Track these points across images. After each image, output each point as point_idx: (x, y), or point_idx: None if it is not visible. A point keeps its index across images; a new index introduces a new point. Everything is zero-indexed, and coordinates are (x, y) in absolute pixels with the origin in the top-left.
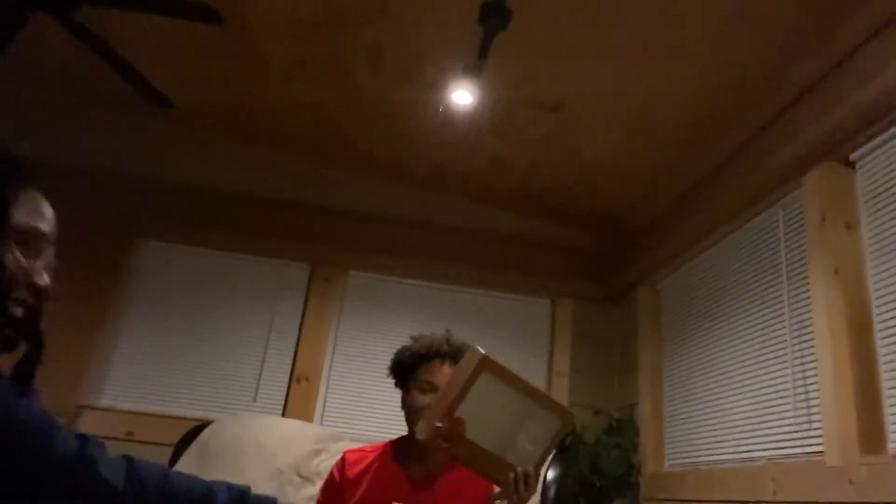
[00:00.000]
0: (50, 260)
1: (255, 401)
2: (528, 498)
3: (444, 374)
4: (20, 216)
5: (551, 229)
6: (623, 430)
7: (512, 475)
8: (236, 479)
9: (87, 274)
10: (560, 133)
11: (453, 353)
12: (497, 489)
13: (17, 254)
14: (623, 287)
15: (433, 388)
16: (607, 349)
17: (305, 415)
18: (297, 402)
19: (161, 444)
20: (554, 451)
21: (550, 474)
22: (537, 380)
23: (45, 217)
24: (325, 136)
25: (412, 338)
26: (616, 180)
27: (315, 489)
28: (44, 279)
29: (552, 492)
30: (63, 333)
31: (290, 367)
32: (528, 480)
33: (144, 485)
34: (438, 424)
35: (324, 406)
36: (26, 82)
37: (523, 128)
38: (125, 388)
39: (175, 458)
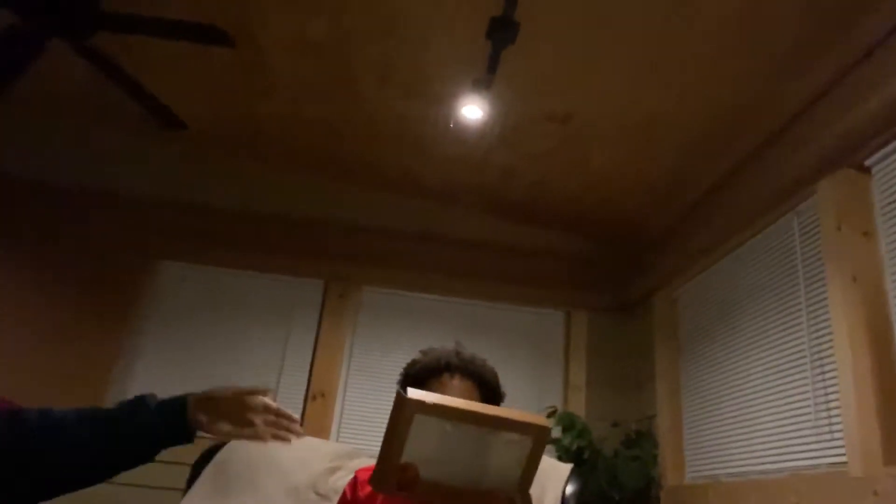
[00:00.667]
0: None
1: None
2: None
3: (454, 387)
4: None
5: (564, 240)
6: (642, 442)
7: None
8: (252, 498)
9: (105, 295)
10: (569, 145)
11: (463, 367)
12: None
13: None
14: (638, 297)
15: None
16: (624, 360)
17: (322, 432)
18: (313, 419)
19: (178, 463)
20: (536, 467)
21: (569, 489)
22: (553, 393)
23: None
24: (336, 152)
25: (421, 351)
26: (627, 190)
27: None
28: None
29: None
30: (82, 353)
31: (305, 383)
32: None
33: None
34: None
35: (340, 422)
36: (43, 108)
37: (532, 140)
38: None
39: (193, 477)
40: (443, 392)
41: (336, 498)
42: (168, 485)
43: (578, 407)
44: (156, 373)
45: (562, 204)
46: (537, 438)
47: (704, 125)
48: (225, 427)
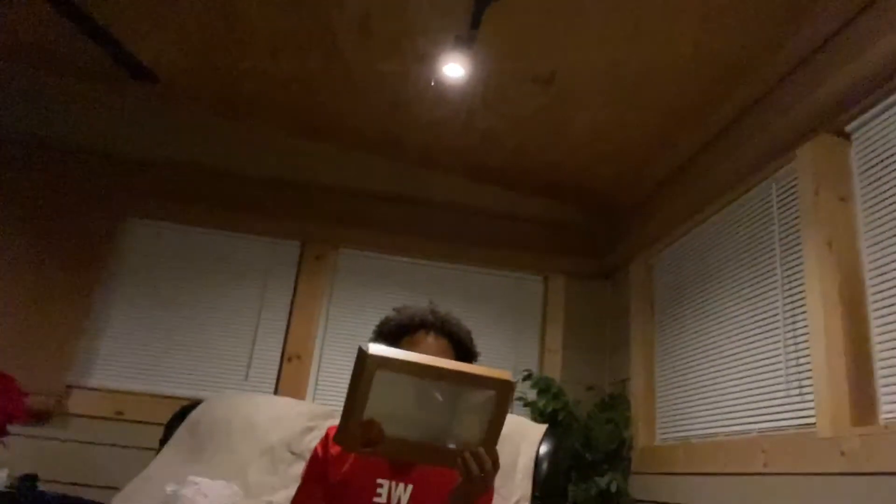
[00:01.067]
0: None
1: (246, 379)
2: (491, 476)
3: (428, 344)
4: None
5: (543, 206)
6: (615, 405)
7: (460, 459)
8: (227, 457)
9: (75, 253)
10: (551, 108)
11: (438, 324)
12: None
13: None
14: (615, 263)
15: None
16: (600, 325)
17: (298, 393)
18: (289, 381)
19: (151, 423)
20: (502, 423)
21: (543, 448)
22: (529, 356)
23: None
24: (315, 110)
25: (395, 309)
26: (607, 156)
27: None
28: None
29: (545, 466)
30: (51, 313)
31: (281, 345)
32: (480, 460)
33: None
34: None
35: (316, 384)
36: (2, 56)
37: (515, 102)
38: (115, 368)
39: (166, 437)
40: (417, 349)
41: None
42: (142, 444)
43: (554, 370)
44: (128, 333)
45: (542, 169)
46: (501, 393)
47: (687, 88)
48: None
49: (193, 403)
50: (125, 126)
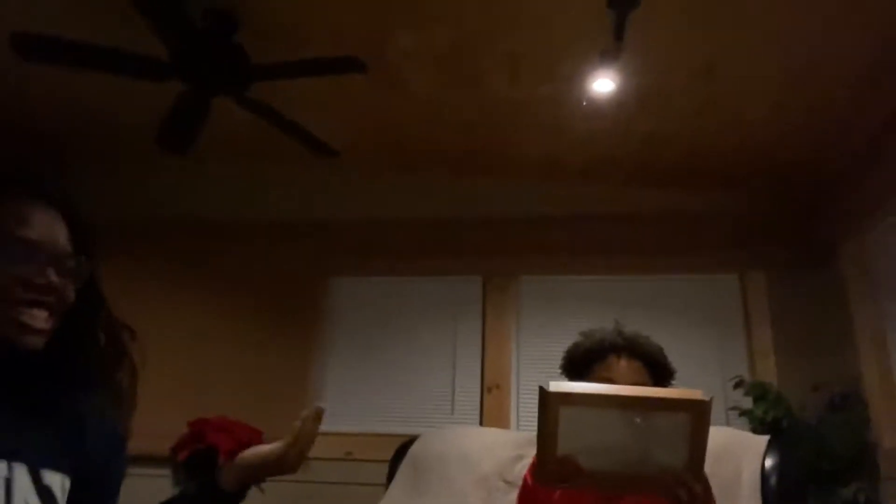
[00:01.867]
0: (48, 261)
1: (452, 413)
2: (701, 500)
3: (620, 368)
4: (9, 227)
5: (724, 198)
6: (849, 405)
7: (664, 486)
8: (447, 489)
9: (291, 314)
10: (717, 99)
11: (629, 346)
12: None
13: (3, 262)
14: (821, 247)
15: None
16: (814, 319)
17: (501, 422)
18: (491, 411)
19: (377, 461)
20: (704, 443)
21: (769, 461)
22: (737, 362)
23: (25, 223)
24: (476, 149)
25: (581, 334)
26: (791, 134)
27: None
28: (43, 277)
29: (773, 482)
30: (282, 372)
31: (479, 377)
32: (687, 484)
33: None
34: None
35: (518, 411)
36: (217, 156)
37: (675, 101)
38: (340, 413)
39: (391, 473)
40: (610, 374)
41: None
42: (371, 481)
43: (769, 374)
44: (345, 381)
45: (717, 161)
46: (696, 415)
47: (872, 56)
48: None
49: (411, 440)
50: (316, 197)
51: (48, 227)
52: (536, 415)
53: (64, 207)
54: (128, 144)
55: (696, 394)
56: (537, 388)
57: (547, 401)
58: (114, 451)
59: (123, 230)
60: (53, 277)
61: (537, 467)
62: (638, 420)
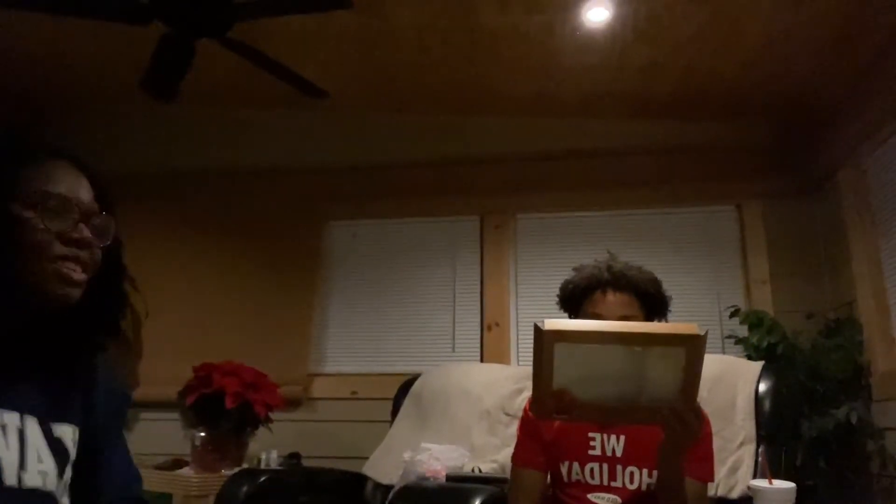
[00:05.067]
0: (79, 217)
1: (453, 351)
2: (692, 430)
3: (608, 303)
4: (33, 185)
5: (721, 129)
6: (843, 330)
7: (659, 416)
8: (450, 423)
9: (291, 260)
10: (714, 23)
11: (615, 280)
12: None
13: (35, 219)
14: (818, 175)
15: (601, 320)
16: (810, 247)
17: (501, 358)
18: (491, 348)
19: (381, 399)
20: (698, 375)
21: (763, 386)
22: (733, 291)
23: (59, 181)
24: (468, 87)
25: (574, 269)
26: (791, 59)
27: None
28: (76, 233)
29: (767, 404)
30: (285, 316)
31: (479, 315)
32: (680, 414)
33: None
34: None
35: (518, 347)
36: (206, 104)
37: (672, 27)
38: (344, 354)
39: (395, 410)
40: (599, 309)
41: None
42: (375, 418)
43: (764, 302)
44: (348, 323)
45: (716, 90)
46: (690, 348)
47: None
48: None
49: (412, 378)
50: (308, 141)
51: (77, 186)
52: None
53: (85, 168)
54: (114, 97)
55: (691, 328)
56: (549, 314)
57: (541, 338)
58: (118, 405)
59: (120, 183)
60: (86, 233)
61: (533, 401)
62: (632, 354)
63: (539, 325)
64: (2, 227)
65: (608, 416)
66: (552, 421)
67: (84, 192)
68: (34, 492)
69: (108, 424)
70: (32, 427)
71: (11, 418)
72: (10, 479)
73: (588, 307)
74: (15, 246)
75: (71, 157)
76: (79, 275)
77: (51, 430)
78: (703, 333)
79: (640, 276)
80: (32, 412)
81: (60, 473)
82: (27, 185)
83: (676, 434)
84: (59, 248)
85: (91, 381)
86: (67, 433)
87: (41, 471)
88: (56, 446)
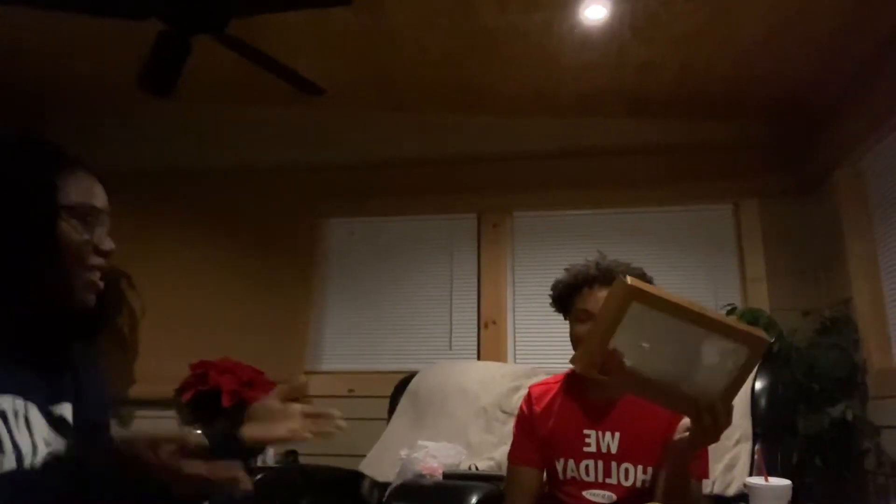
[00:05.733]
0: (106, 228)
1: (450, 349)
2: (720, 431)
3: (597, 299)
4: (75, 196)
5: (719, 127)
6: (838, 328)
7: (694, 408)
8: (446, 421)
9: (288, 258)
10: (713, 21)
11: (603, 277)
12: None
13: (78, 228)
14: (815, 174)
15: (589, 316)
16: (806, 245)
17: (498, 356)
18: (488, 345)
19: (378, 397)
20: (744, 380)
21: (759, 384)
22: (729, 289)
23: (95, 194)
24: (466, 85)
25: (565, 269)
26: (788, 59)
27: None
28: (106, 244)
29: (763, 402)
30: (281, 314)
31: (476, 313)
32: (716, 413)
33: None
34: (592, 357)
35: (514, 345)
36: (204, 101)
37: (670, 26)
38: (340, 352)
39: (392, 408)
40: (586, 306)
41: None
42: (373, 416)
43: (761, 301)
44: (345, 321)
45: (713, 88)
46: (753, 350)
47: None
48: (256, 431)
49: (409, 376)
50: (304, 137)
51: (104, 197)
52: (532, 348)
53: (100, 179)
54: (112, 94)
55: (760, 331)
56: (546, 312)
57: (621, 291)
58: (101, 392)
59: (117, 180)
60: (112, 244)
61: (582, 353)
62: (697, 336)
63: (622, 278)
64: (49, 235)
65: (646, 392)
66: (547, 415)
67: (108, 204)
68: None
69: (97, 412)
70: (34, 412)
71: (17, 404)
72: (27, 464)
73: (577, 303)
74: (57, 252)
75: (91, 168)
76: (100, 283)
77: (50, 412)
78: (769, 339)
79: (628, 271)
80: (33, 397)
81: None
82: (73, 196)
83: (704, 430)
84: (93, 258)
85: (82, 371)
86: (67, 410)
87: (50, 454)
88: (59, 425)
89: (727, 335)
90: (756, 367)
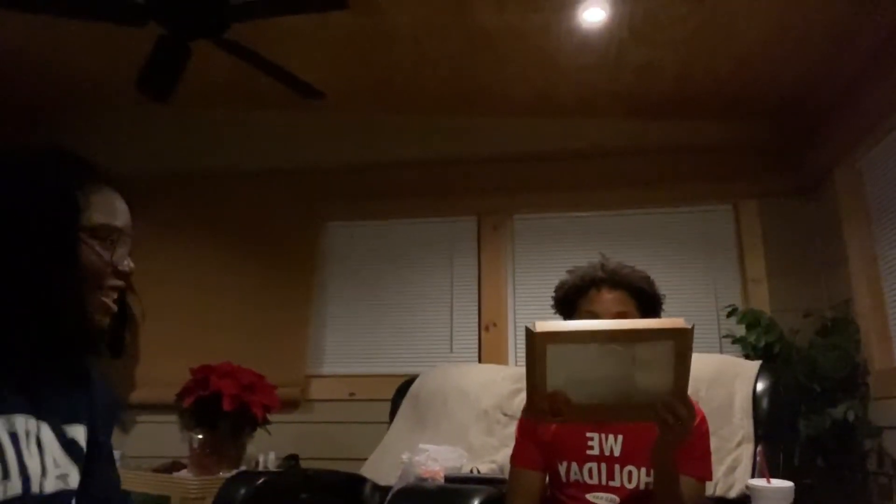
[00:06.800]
0: (127, 248)
1: (451, 351)
2: (686, 424)
3: (604, 300)
4: (97, 216)
5: (718, 128)
6: (839, 329)
7: (653, 411)
8: (447, 424)
9: (288, 261)
10: (711, 23)
11: (608, 278)
12: None
13: (99, 249)
14: (814, 175)
15: (596, 318)
16: (806, 246)
17: (499, 358)
18: (489, 348)
19: (379, 400)
20: (687, 369)
21: (760, 385)
22: (730, 290)
23: (118, 214)
24: (465, 87)
25: (568, 272)
26: (786, 58)
27: None
28: (125, 265)
29: (764, 403)
30: (282, 318)
31: (476, 316)
32: (673, 409)
33: None
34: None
35: (515, 348)
36: (204, 106)
37: (669, 28)
38: (342, 356)
39: (393, 411)
40: (594, 307)
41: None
42: (373, 419)
43: (761, 301)
44: (346, 324)
45: (712, 89)
46: (678, 342)
47: None
48: None
49: (410, 379)
50: (305, 141)
51: (128, 218)
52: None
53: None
54: (112, 98)
55: (678, 322)
56: (547, 314)
57: (533, 340)
58: (112, 408)
59: (116, 185)
60: (132, 265)
61: (528, 404)
62: (623, 351)
63: (530, 327)
64: (69, 256)
65: (602, 416)
66: (549, 424)
67: (131, 223)
68: (56, 496)
69: (105, 429)
70: (46, 432)
71: (30, 424)
72: (35, 487)
73: (584, 305)
74: (75, 274)
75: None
76: (114, 304)
77: (64, 432)
78: (689, 327)
79: (634, 273)
80: (45, 416)
81: (80, 473)
82: (95, 217)
83: (670, 428)
84: (110, 280)
85: (88, 379)
86: (80, 433)
87: (59, 475)
88: (71, 447)
89: (648, 338)
90: (691, 351)
